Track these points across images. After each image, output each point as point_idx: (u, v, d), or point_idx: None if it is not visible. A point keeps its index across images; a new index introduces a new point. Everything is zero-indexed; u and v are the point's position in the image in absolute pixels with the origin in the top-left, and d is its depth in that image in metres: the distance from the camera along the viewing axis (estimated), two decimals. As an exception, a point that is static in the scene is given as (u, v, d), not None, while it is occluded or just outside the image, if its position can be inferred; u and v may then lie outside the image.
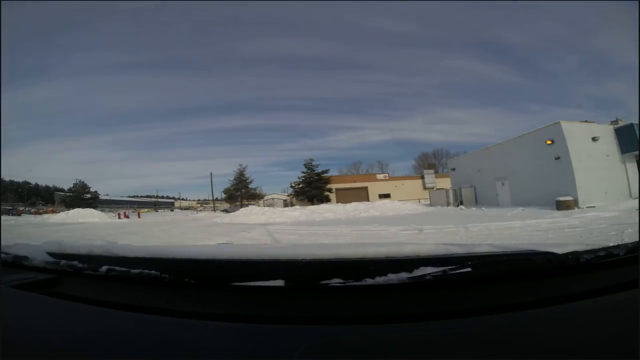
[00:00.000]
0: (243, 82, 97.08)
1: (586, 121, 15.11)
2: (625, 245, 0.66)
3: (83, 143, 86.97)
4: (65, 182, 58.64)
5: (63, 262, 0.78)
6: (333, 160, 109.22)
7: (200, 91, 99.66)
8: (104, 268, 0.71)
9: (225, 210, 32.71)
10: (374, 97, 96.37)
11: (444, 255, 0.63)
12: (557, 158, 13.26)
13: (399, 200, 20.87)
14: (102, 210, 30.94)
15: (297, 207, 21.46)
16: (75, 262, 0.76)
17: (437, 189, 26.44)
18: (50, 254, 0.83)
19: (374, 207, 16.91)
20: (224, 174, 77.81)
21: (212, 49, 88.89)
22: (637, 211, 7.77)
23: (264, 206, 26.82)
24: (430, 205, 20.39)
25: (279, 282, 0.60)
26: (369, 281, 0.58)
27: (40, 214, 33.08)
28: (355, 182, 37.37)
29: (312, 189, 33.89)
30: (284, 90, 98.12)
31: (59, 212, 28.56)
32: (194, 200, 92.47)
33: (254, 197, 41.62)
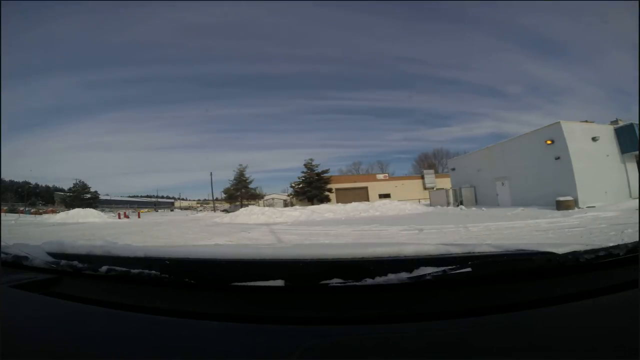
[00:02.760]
0: (244, 77, 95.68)
1: (586, 121, 15.11)
2: (625, 245, 0.66)
3: (83, 142, 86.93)
4: (65, 182, 58.73)
5: (63, 262, 0.78)
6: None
7: (200, 88, 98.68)
8: (104, 268, 0.71)
9: (225, 210, 32.70)
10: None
11: (444, 255, 0.63)
12: (557, 158, 13.26)
13: (399, 200, 20.88)
14: (102, 210, 30.92)
15: (297, 207, 21.46)
16: (75, 262, 0.76)
17: (437, 189, 26.45)
18: (50, 254, 0.83)
19: (374, 207, 16.90)
20: (224, 174, 77.53)
21: (214, 46, 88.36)
22: (637, 211, 7.77)
23: (264, 206, 26.82)
24: (430, 205, 20.37)
25: (279, 282, 0.60)
26: (369, 281, 0.58)
27: (40, 214, 33.06)
28: (355, 182, 37.38)
29: (312, 189, 33.88)
30: (288, 86, 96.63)
31: (59, 212, 28.54)
32: (194, 200, 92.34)
33: (254, 197, 41.57)
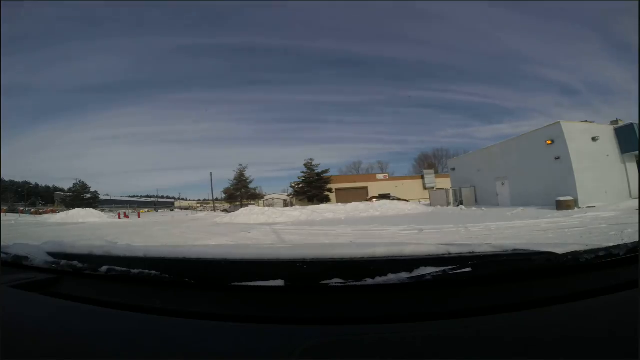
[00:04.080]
0: (245, 78, 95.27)
1: (586, 121, 15.11)
2: (625, 245, 0.66)
3: (82, 141, 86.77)
4: (65, 182, 58.77)
5: (63, 262, 0.78)
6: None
7: (200, 87, 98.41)
8: (104, 268, 0.71)
9: (225, 210, 32.70)
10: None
11: (444, 255, 0.63)
12: (557, 158, 13.26)
13: (398, 200, 20.87)
14: (102, 210, 30.95)
15: (297, 207, 21.46)
16: (75, 262, 0.76)
17: (437, 189, 26.42)
18: (50, 254, 0.83)
19: (373, 207, 16.90)
20: (225, 173, 77.27)
21: (216, 48, 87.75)
22: (637, 211, 7.77)
23: (264, 206, 26.81)
24: (430, 205, 20.37)
25: (279, 282, 0.60)
26: (369, 281, 0.58)
27: (40, 214, 33.09)
28: (355, 182, 37.40)
29: (312, 189, 33.88)
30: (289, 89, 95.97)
31: (59, 212, 28.54)
32: (194, 200, 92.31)
33: (254, 197, 41.56)
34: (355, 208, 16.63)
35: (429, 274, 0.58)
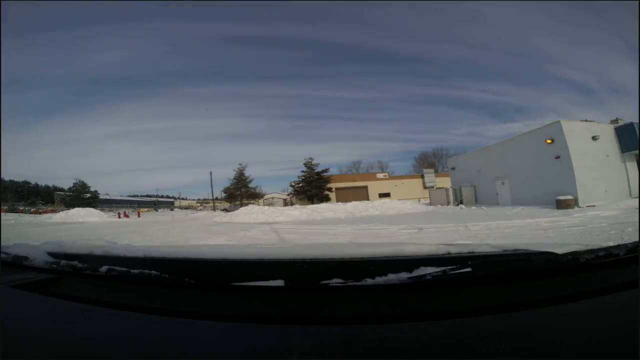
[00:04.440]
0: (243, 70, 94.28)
1: (586, 120, 15.11)
2: (625, 245, 0.66)
3: (82, 141, 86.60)
4: (65, 182, 58.79)
5: (63, 262, 0.78)
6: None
7: (201, 83, 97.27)
8: (104, 268, 0.71)
9: (225, 210, 32.70)
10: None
11: (444, 255, 0.63)
12: (557, 157, 13.26)
13: (398, 200, 20.89)
14: (102, 210, 30.95)
15: (297, 206, 21.47)
16: (75, 262, 0.76)
17: (437, 188, 26.44)
18: (50, 254, 0.83)
19: (373, 206, 16.91)
20: (224, 172, 77.17)
21: (216, 50, 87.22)
22: (637, 210, 7.78)
23: (264, 205, 26.81)
24: (430, 204, 20.39)
25: (279, 282, 0.60)
26: (369, 281, 0.58)
27: (40, 213, 33.13)
28: (355, 181, 37.40)
29: (312, 188, 33.87)
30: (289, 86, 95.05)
31: (58, 211, 28.54)
32: (193, 200, 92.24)
33: (253, 196, 41.51)
34: (355, 207, 16.64)
35: (429, 274, 0.58)
